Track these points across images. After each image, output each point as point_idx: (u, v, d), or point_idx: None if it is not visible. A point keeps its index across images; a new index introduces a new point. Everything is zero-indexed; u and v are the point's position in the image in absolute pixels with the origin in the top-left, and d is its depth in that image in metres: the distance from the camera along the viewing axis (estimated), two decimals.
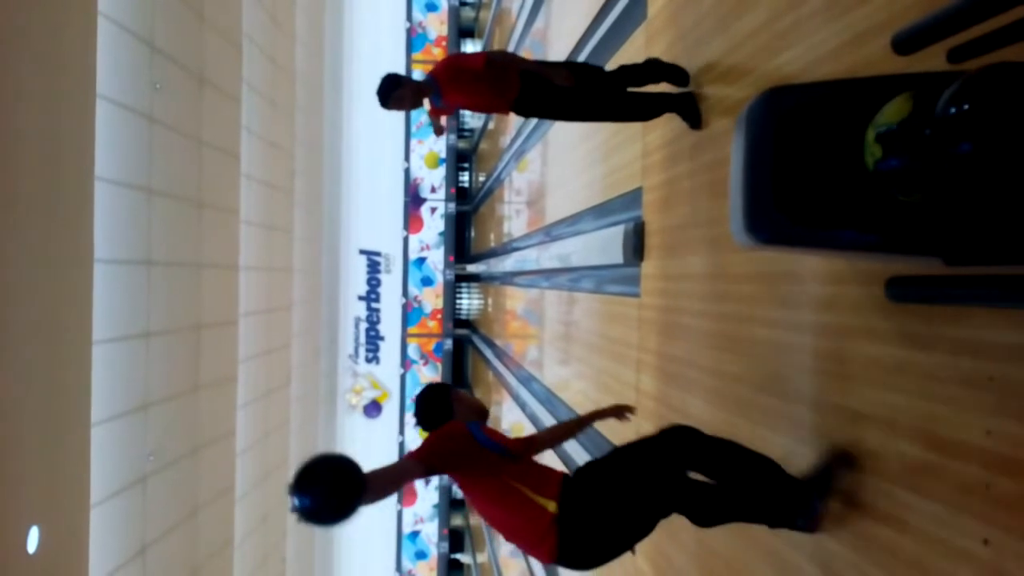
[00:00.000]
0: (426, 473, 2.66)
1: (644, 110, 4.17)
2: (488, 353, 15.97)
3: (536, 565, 8.67)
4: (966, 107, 1.38)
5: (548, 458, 3.48)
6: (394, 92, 3.98)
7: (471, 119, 21.89)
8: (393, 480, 2.57)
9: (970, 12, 1.61)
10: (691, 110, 3.95)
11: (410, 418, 19.57)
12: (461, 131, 21.22)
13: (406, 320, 19.60)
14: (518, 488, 2.68)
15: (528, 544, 2.77)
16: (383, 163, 19.34)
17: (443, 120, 4.58)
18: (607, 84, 4.10)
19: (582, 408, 5.11)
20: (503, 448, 2.77)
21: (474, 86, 4.00)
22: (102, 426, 4.97)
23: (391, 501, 19.35)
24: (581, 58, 7.24)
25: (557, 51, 8.57)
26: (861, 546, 2.49)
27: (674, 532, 4.29)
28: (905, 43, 1.83)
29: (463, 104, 4.26)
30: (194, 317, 6.54)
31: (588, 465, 2.86)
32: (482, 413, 3.05)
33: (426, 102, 4.15)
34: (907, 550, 2.26)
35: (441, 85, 4.02)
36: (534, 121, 10.07)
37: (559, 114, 4.32)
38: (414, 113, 19.77)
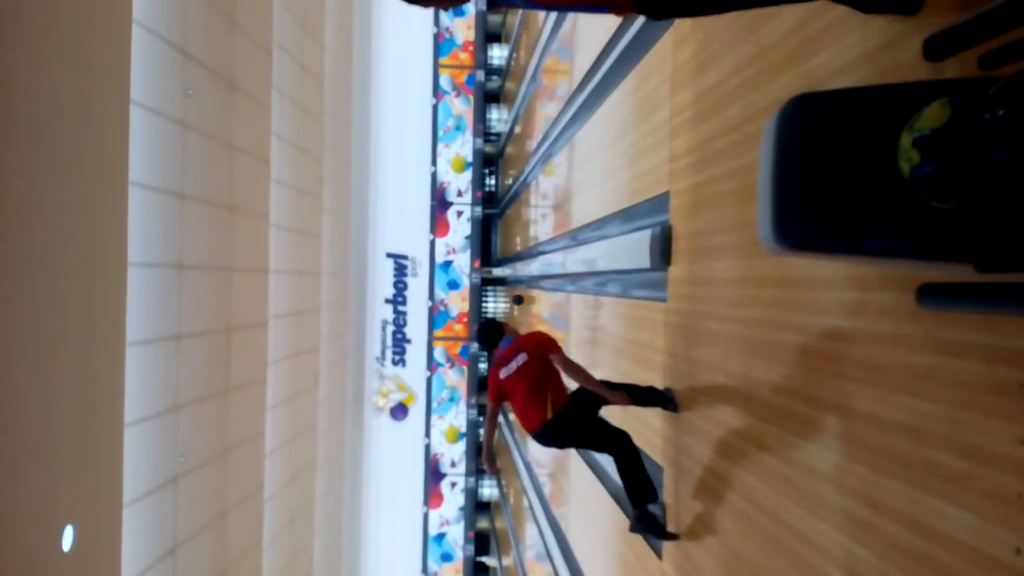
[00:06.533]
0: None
1: None
2: None
3: (561, 566, 8.67)
4: (1001, 113, 1.37)
5: None
6: None
7: (496, 123, 21.92)
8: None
9: (1003, 17, 1.60)
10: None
11: (436, 420, 19.68)
12: (487, 135, 21.27)
13: (432, 323, 19.70)
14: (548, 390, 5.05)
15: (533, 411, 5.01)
16: (410, 167, 19.47)
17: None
18: None
19: (605, 410, 5.18)
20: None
21: None
22: (134, 427, 5.05)
23: (417, 503, 19.44)
24: (609, 60, 7.22)
25: (584, 56, 8.58)
26: (889, 553, 2.47)
27: (700, 536, 4.28)
28: (937, 47, 1.82)
29: None
30: (225, 320, 6.62)
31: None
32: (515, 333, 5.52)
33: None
34: (936, 558, 2.24)
35: None
36: (562, 123, 10.07)
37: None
38: (441, 118, 19.90)
